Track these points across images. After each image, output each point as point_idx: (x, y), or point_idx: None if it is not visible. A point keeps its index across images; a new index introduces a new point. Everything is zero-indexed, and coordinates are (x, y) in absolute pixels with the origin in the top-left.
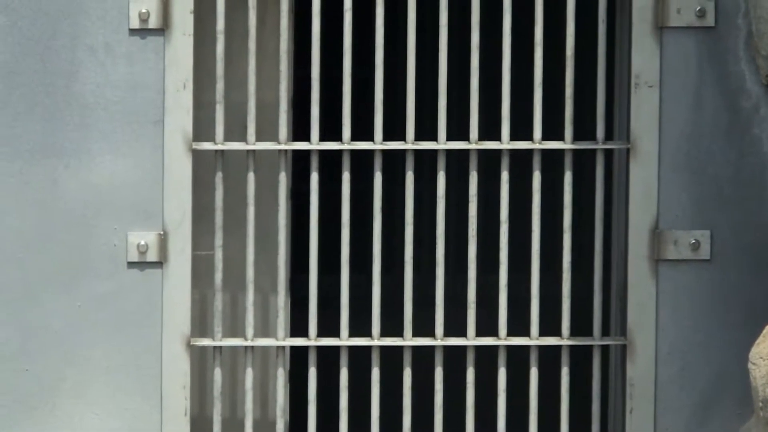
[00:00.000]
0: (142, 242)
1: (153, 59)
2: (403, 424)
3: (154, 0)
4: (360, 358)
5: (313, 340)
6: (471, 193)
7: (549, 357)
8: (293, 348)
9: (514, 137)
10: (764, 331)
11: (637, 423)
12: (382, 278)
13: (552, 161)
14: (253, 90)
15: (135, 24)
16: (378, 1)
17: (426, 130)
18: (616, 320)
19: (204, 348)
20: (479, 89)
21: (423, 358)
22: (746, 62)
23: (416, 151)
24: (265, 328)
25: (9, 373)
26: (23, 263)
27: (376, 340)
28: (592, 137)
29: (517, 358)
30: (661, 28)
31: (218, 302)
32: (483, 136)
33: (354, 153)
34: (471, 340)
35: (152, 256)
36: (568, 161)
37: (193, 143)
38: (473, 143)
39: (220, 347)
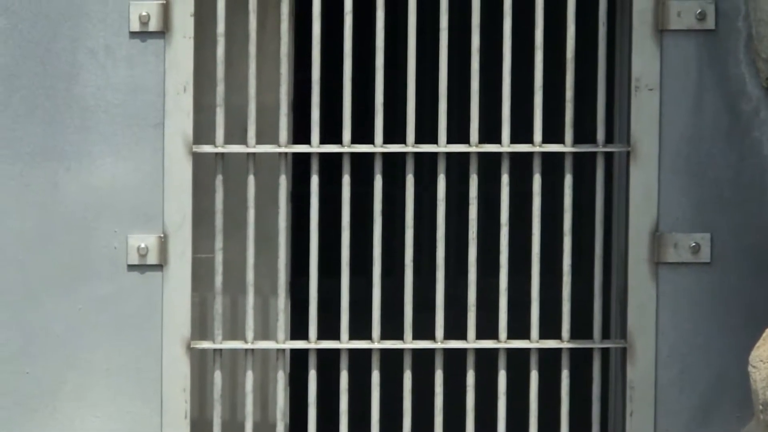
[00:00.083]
0: (143, 245)
1: (153, 62)
2: (403, 427)
3: (155, 3)
4: (360, 361)
5: (313, 342)
6: (471, 196)
7: (549, 360)
8: (293, 351)
9: (514, 140)
10: (764, 334)
11: (637, 426)
12: (383, 281)
13: (552, 164)
14: (254, 93)
15: (135, 27)
16: (378, 4)
17: (426, 133)
18: (616, 323)
19: (204, 351)
20: (479, 92)
21: (423, 361)
22: (746, 65)
23: (416, 154)
24: (265, 330)
25: (9, 375)
26: (24, 266)
27: (376, 343)
28: (592, 140)
29: (517, 361)
30: (661, 31)
31: (218, 305)
32: (483, 139)
33: (354, 156)
34: (471, 343)
35: (152, 258)
36: (568, 164)
37: (194, 146)
38: (473, 146)
39: (220, 350)
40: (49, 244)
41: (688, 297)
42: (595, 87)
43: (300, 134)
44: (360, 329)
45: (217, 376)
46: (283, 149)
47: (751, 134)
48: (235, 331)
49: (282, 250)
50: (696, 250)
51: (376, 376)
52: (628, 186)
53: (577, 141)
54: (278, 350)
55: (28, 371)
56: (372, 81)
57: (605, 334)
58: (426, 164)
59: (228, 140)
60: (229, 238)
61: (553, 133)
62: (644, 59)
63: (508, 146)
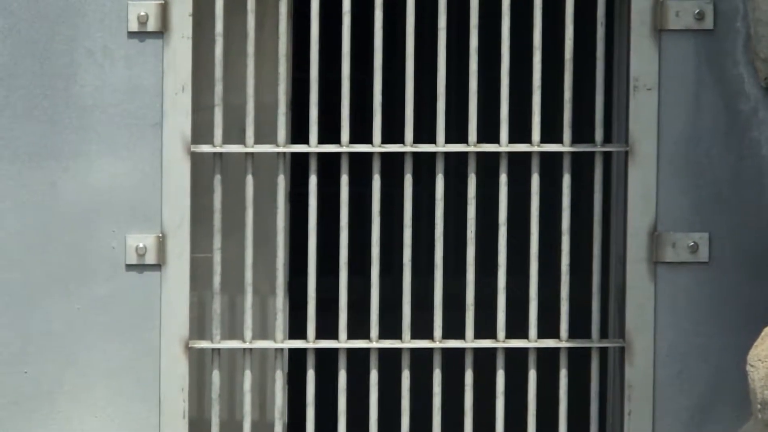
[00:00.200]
0: (141, 245)
1: (152, 62)
2: (401, 427)
3: (153, 3)
4: (358, 360)
5: (311, 342)
6: (469, 196)
7: (547, 359)
8: (292, 350)
9: (512, 140)
10: (762, 334)
11: (635, 425)
12: (381, 280)
13: (551, 164)
14: (252, 92)
15: (134, 27)
16: (377, 4)
17: (425, 133)
18: (614, 322)
19: (202, 350)
20: (478, 92)
21: (421, 360)
22: (745, 65)
23: (415, 154)
24: (263, 330)
25: (8, 375)
26: (22, 265)
27: (374, 343)
28: (590, 140)
29: (516, 360)
30: (659, 31)
31: (217, 304)
32: (482, 138)
33: (353, 155)
34: (469, 342)
35: (151, 258)
36: (566, 164)
37: (192, 146)
38: (472, 146)
39: (219, 349)
40: (48, 244)
41: (687, 296)
42: (593, 87)
43: (298, 134)
44: (358, 329)
45: (216, 376)
46: (281, 149)
47: (749, 134)
48: (233, 330)
49: (280, 250)
50: (694, 249)
51: (374, 376)
52: (626, 186)
53: (575, 141)
54: (276, 350)
55: (26, 371)
56: (370, 80)
57: (603, 334)
58: (424, 164)
59: (226, 140)
60: (227, 238)
61: (551, 133)
62: (642, 59)
63: (507, 146)
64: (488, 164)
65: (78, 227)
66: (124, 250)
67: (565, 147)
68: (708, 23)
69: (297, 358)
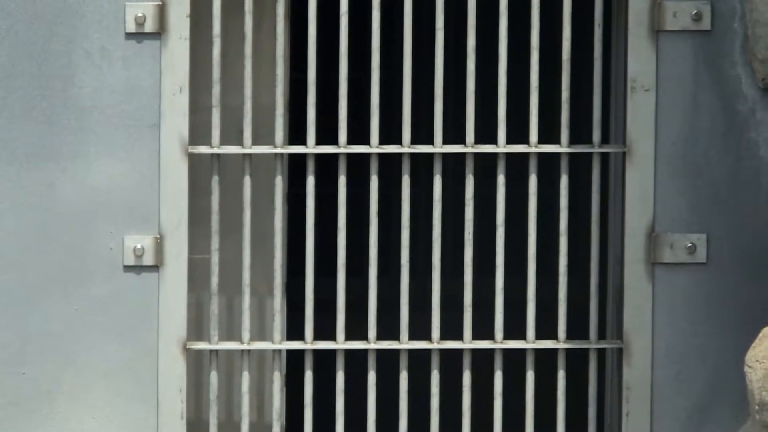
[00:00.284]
0: (139, 246)
1: (149, 63)
2: (399, 428)
3: (151, 4)
4: (356, 361)
5: (309, 343)
6: (467, 197)
7: (545, 360)
8: (289, 351)
9: (510, 141)
10: (760, 334)
11: (633, 426)
12: (379, 281)
13: (548, 165)
14: (250, 93)
15: (131, 28)
16: (374, 5)
17: (422, 134)
18: (612, 323)
19: (200, 351)
20: (475, 93)
21: (419, 361)
22: (742, 66)
23: (412, 155)
24: (261, 331)
25: (6, 376)
26: (20, 266)
27: (372, 344)
28: (588, 141)
29: (514, 361)
30: (657, 31)
31: (214, 305)
32: (479, 139)
33: (350, 156)
34: (467, 343)
35: (148, 259)
36: (564, 165)
37: (190, 147)
38: (469, 147)
39: (217, 350)
40: (46, 245)
41: (685, 297)
42: (591, 88)
43: (296, 135)
44: (356, 330)
45: (213, 377)
46: (279, 150)
47: (747, 135)
48: (231, 331)
49: (278, 251)
50: (692, 250)
51: (372, 377)
52: (624, 187)
53: (573, 142)
54: (274, 351)
55: (24, 372)
56: (368, 81)
57: (601, 335)
58: (422, 165)
59: (224, 141)
60: (225, 239)
61: (549, 134)
62: (640, 60)
63: (504, 147)
64: (486, 165)
65: (76, 228)
66: (121, 251)
67: (562, 148)
68: (705, 24)
69: (295, 359)
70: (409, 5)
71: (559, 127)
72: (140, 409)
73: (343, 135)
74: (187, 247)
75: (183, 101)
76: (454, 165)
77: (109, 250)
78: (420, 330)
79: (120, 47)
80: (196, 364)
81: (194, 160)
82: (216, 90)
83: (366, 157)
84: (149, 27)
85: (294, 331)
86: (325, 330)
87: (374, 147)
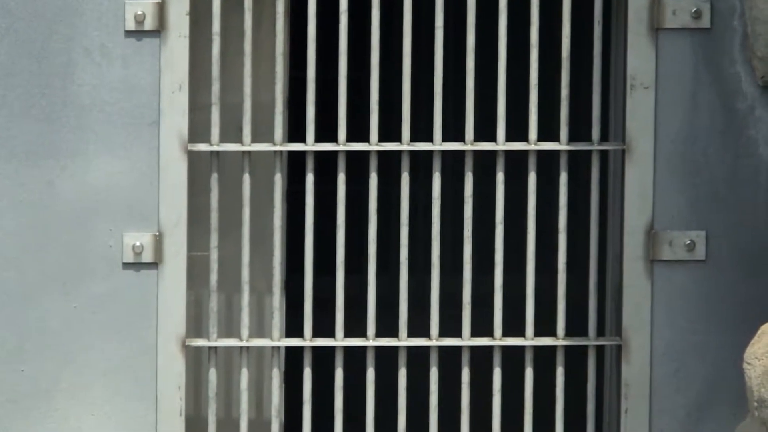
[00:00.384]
0: (138, 243)
1: (149, 61)
2: (398, 425)
3: (150, 2)
4: (355, 358)
5: (308, 340)
6: (466, 194)
7: (544, 357)
8: (288, 348)
9: (509, 138)
10: (759, 332)
11: (632, 423)
12: (378, 279)
13: (548, 162)
14: (249, 91)
15: (131, 26)
16: (374, 3)
17: (421, 131)
18: (611, 321)
19: (199, 348)
20: (475, 90)
21: (418, 358)
22: (742, 64)
23: (412, 152)
24: (260, 328)
25: (5, 374)
26: (19, 264)
27: (371, 341)
28: (587, 138)
29: (513, 358)
30: (656, 29)
31: (213, 303)
32: (478, 137)
33: (349, 154)
34: (466, 340)
35: (148, 257)
36: (563, 162)
37: (189, 144)
38: (469, 144)
39: (216, 348)
40: (45, 242)
41: (684, 295)
42: (590, 85)
43: (295, 132)
44: (355, 327)
45: (212, 374)
46: (278, 147)
47: (746, 132)
48: (230, 328)
49: (277, 248)
50: (691, 247)
51: (371, 374)
52: (623, 184)
53: (572, 139)
54: (273, 348)
55: (23, 369)
56: (367, 79)
57: (600, 332)
58: (421, 162)
59: (223, 138)
60: (224, 237)
61: (548, 132)
62: (639, 58)
63: (504, 144)
64: (485, 163)
65: (75, 226)
66: (121, 248)
67: (562, 145)
68: (705, 22)
69: (294, 356)
70: (408, 3)
71: (559, 125)
72: (139, 406)
73: (342, 132)
74: (186, 245)
75: (182, 99)
76: (453, 162)
77: (109, 248)
78: (419, 327)
79: (119, 45)
80: (195, 361)
81: (193, 158)
82: (215, 88)
83: (365, 154)
84: (149, 25)
85: (293, 328)
86: (324, 327)
87: (373, 144)
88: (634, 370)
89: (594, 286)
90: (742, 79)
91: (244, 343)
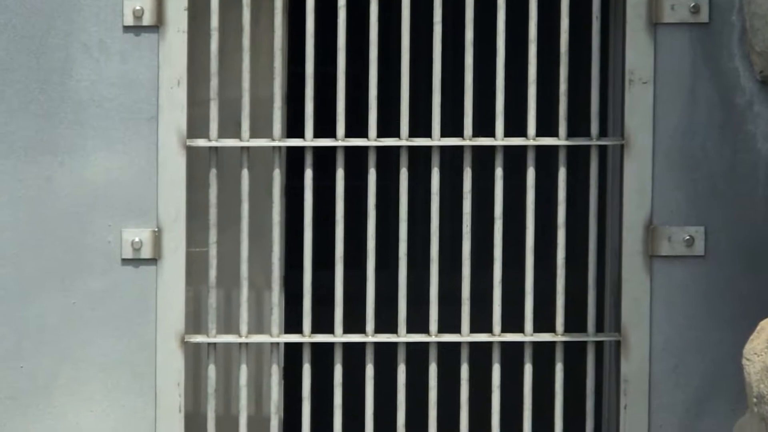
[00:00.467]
0: (137, 239)
1: (147, 56)
2: (397, 421)
3: None
4: (354, 354)
5: (307, 336)
6: (465, 190)
7: (543, 353)
8: (287, 344)
9: (508, 133)
10: (758, 327)
11: (631, 419)
12: (377, 275)
13: (546, 157)
14: (247, 87)
15: (129, 21)
16: None
17: (420, 127)
18: (610, 316)
19: (198, 345)
20: (473, 86)
21: (417, 354)
22: (740, 58)
23: (410, 148)
24: (259, 324)
25: (3, 370)
26: (17, 260)
27: (370, 337)
28: (586, 133)
29: (511, 354)
30: (655, 24)
31: (212, 299)
32: (477, 132)
33: (348, 149)
34: (465, 336)
35: (146, 252)
36: (562, 157)
37: (188, 140)
38: (467, 139)
39: (214, 344)
40: (43, 238)
41: (683, 290)
42: (588, 80)
43: (294, 128)
44: (354, 323)
45: (211, 370)
46: (277, 143)
47: (745, 127)
48: (229, 325)
49: (276, 244)
50: (690, 243)
51: (370, 370)
52: (622, 179)
53: (570, 134)
54: (272, 344)
55: (22, 366)
56: (366, 74)
57: (599, 328)
58: (420, 158)
59: (222, 134)
60: (223, 232)
61: (546, 127)
62: (638, 52)
63: (502, 140)
64: (484, 158)
65: (73, 221)
66: (119, 244)
67: (560, 141)
68: (703, 16)
69: (293, 352)
70: None
71: (557, 120)
72: (138, 402)
73: (341, 128)
74: (185, 241)
75: (181, 94)
76: (452, 158)
77: (107, 244)
78: (418, 323)
79: (118, 40)
80: (194, 357)
81: (192, 154)
82: (214, 83)
83: (364, 150)
84: (147, 20)
85: (292, 324)
86: (323, 323)
87: (372, 140)
88: (633, 366)
89: (593, 281)
90: (740, 74)
91: (243, 339)
